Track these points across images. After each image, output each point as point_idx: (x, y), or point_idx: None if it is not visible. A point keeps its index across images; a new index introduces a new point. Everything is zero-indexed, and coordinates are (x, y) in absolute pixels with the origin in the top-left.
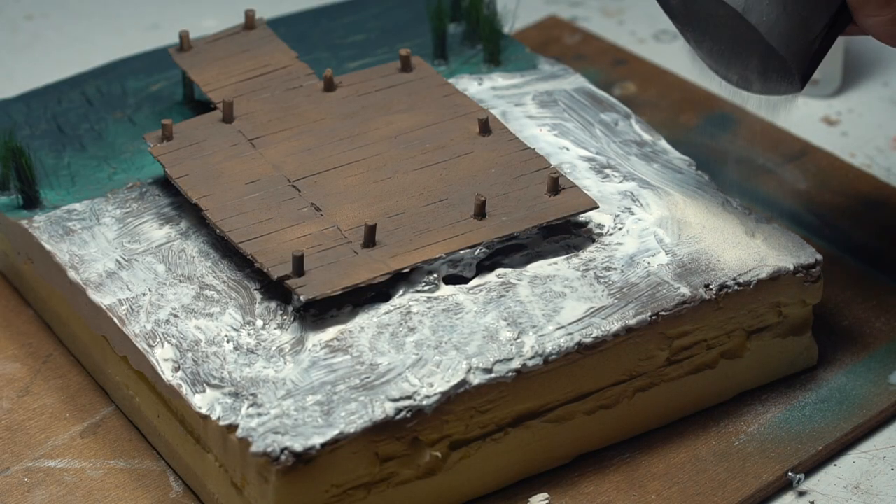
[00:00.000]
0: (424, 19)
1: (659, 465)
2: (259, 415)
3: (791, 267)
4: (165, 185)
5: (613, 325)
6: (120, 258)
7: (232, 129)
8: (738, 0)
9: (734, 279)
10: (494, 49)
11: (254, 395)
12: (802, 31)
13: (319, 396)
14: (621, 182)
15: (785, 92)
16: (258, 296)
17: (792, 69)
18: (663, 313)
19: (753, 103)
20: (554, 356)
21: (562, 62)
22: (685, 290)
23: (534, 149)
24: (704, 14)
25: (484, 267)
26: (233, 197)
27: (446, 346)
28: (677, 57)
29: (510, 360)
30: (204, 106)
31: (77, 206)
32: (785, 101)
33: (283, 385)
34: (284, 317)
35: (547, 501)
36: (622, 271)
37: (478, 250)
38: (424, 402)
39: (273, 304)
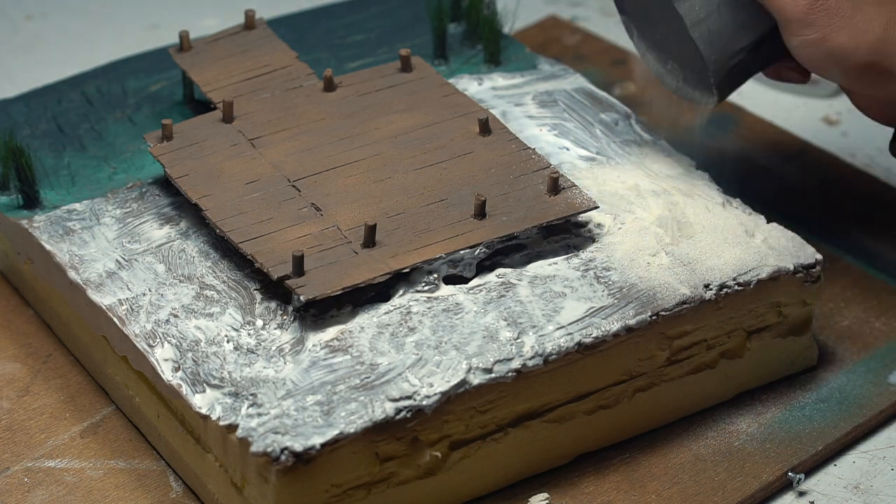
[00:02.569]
0: (424, 19)
1: (659, 465)
2: (259, 415)
3: (791, 267)
4: (165, 185)
5: (613, 325)
6: (120, 258)
7: (232, 129)
8: None
9: (734, 279)
10: (494, 49)
11: (254, 395)
12: (728, 38)
13: (319, 396)
14: (621, 182)
15: (702, 100)
16: (258, 296)
17: (709, 74)
18: (663, 313)
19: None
20: (554, 356)
21: (562, 62)
22: (685, 290)
23: (534, 149)
24: (646, 9)
25: (484, 267)
26: (233, 197)
27: (446, 346)
28: None
29: (510, 360)
30: (204, 106)
31: (77, 206)
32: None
33: (283, 385)
34: (284, 317)
35: (547, 501)
36: (622, 271)
37: (478, 250)
38: (424, 402)
39: (273, 304)
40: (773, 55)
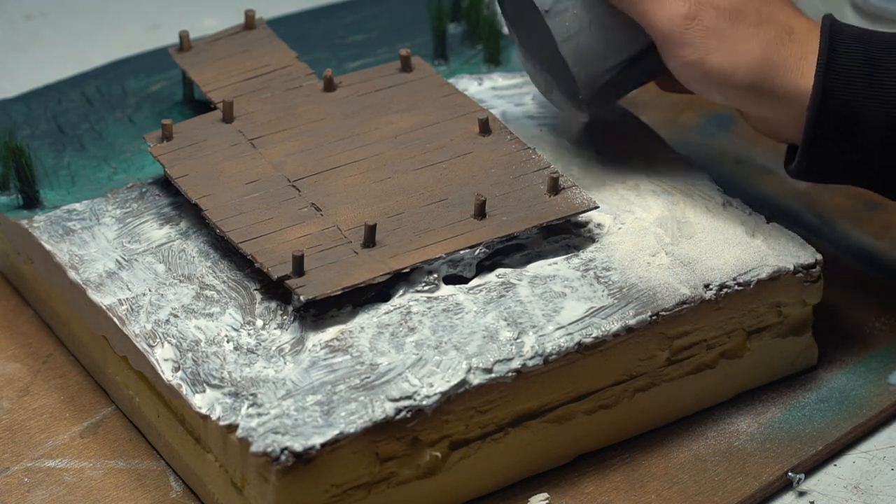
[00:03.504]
0: (424, 19)
1: (659, 465)
2: (259, 415)
3: (791, 267)
4: (165, 185)
5: (613, 325)
6: (120, 258)
7: (232, 129)
8: (546, 2)
9: (734, 279)
10: (494, 49)
11: (254, 395)
12: (599, 55)
13: (319, 396)
14: (622, 182)
15: (576, 113)
16: (258, 296)
17: (578, 89)
18: (663, 313)
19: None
20: (554, 356)
21: None
22: (685, 290)
23: (534, 149)
24: (528, 19)
25: (484, 267)
26: (233, 197)
27: (446, 346)
28: None
29: (510, 360)
30: (204, 106)
31: (77, 206)
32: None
33: (283, 385)
34: (284, 317)
35: (547, 501)
36: (622, 271)
37: (478, 250)
38: (424, 402)
39: (273, 304)
40: (653, 71)
